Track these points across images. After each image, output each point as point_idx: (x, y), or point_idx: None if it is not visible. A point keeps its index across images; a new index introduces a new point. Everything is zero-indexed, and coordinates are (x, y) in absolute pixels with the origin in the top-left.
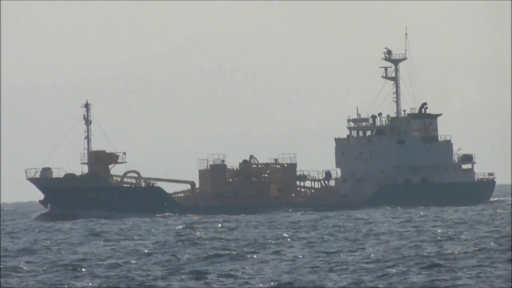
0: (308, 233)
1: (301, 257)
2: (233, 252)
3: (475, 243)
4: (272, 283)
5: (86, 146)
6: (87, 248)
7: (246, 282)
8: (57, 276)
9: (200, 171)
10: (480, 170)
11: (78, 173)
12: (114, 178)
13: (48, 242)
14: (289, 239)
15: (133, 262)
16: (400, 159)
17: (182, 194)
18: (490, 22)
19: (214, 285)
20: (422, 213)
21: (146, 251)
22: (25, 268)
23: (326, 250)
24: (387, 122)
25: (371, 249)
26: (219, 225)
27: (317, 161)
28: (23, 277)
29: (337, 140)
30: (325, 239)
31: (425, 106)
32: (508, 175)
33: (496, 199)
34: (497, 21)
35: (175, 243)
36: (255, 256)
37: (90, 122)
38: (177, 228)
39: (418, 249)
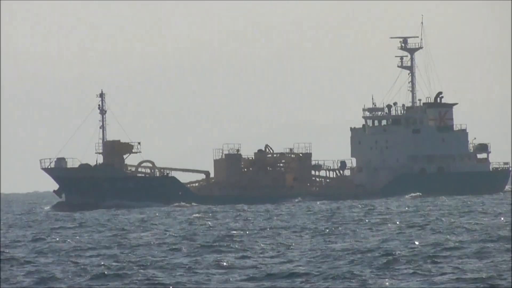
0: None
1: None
2: None
3: None
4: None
5: (101, 136)
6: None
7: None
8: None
9: (215, 161)
10: (496, 159)
11: (93, 163)
12: (129, 168)
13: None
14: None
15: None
16: (416, 149)
17: (197, 184)
18: (509, 10)
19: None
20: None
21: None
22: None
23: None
24: (402, 111)
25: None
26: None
27: (332, 150)
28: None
29: (353, 130)
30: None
31: (440, 95)
32: None
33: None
34: None
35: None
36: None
37: (105, 111)
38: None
39: None
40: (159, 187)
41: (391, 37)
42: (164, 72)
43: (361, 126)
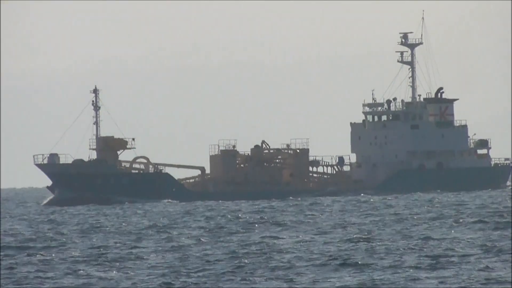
0: None
1: None
2: None
3: None
4: None
5: (94, 132)
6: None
7: None
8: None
9: (211, 157)
10: (498, 155)
11: (86, 159)
12: (123, 164)
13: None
14: None
15: None
16: (415, 144)
17: (192, 180)
18: (509, 5)
19: None
20: None
21: None
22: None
23: None
24: (402, 107)
25: None
26: None
27: (330, 146)
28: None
29: (353, 125)
30: None
31: (441, 91)
32: None
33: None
34: None
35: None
36: None
37: (99, 107)
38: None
39: None
40: (153, 184)
41: (392, 32)
42: (158, 68)
43: (361, 121)
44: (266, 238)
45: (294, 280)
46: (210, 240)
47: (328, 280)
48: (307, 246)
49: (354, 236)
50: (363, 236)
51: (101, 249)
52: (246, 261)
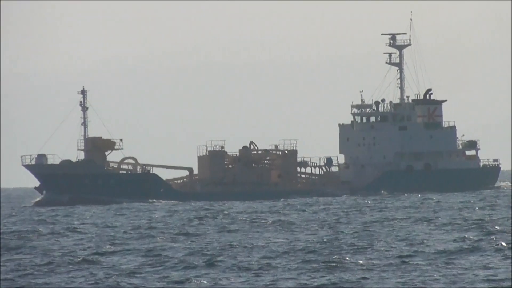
0: None
1: None
2: None
3: None
4: None
5: (82, 133)
6: None
7: None
8: None
9: (199, 157)
10: (487, 156)
11: (74, 159)
12: (111, 165)
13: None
14: None
15: None
16: (402, 146)
17: (180, 181)
18: (497, 5)
19: None
20: None
21: None
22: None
23: None
24: (390, 108)
25: None
26: None
27: (319, 147)
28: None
29: (341, 126)
30: None
31: (429, 92)
32: None
33: (501, 184)
34: (505, 4)
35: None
36: None
37: (87, 108)
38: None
39: None
40: (140, 184)
41: (381, 34)
42: (147, 69)
43: (349, 122)
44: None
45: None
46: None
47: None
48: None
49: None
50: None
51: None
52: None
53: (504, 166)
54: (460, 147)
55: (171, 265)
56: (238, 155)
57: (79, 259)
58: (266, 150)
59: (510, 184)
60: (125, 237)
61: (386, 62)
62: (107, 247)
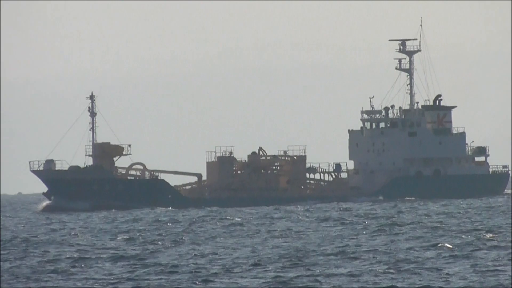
0: None
1: None
2: None
3: None
4: None
5: (91, 138)
6: None
7: None
8: None
9: (208, 163)
10: (496, 162)
11: (82, 165)
12: (119, 171)
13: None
14: None
15: None
16: (412, 151)
17: (189, 187)
18: (508, 11)
19: None
20: None
21: None
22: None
23: None
24: (399, 114)
25: None
26: None
27: (328, 153)
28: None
29: (351, 132)
30: None
31: (439, 98)
32: None
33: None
34: None
35: None
36: None
37: (95, 114)
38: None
39: None
40: (148, 190)
41: (390, 39)
42: (155, 74)
43: (359, 128)
44: None
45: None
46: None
47: None
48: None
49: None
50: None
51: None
52: None
53: None
54: (470, 153)
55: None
56: (247, 161)
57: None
58: (274, 156)
59: None
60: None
61: (396, 68)
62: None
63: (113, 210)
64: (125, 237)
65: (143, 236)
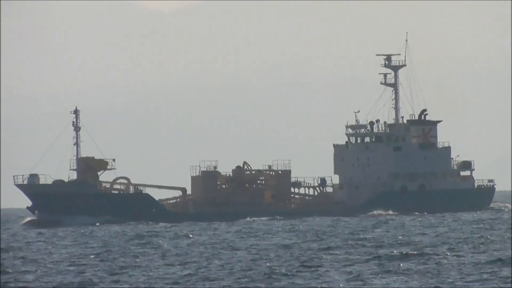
0: None
1: None
2: None
3: None
4: None
5: (75, 153)
6: None
7: None
8: None
9: (193, 178)
10: (481, 177)
11: (66, 179)
12: (103, 185)
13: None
14: None
15: None
16: (397, 166)
17: (173, 201)
18: (493, 25)
19: None
20: None
21: None
22: None
23: None
24: (384, 128)
25: None
26: None
27: (313, 167)
28: None
29: (336, 147)
30: None
31: (425, 113)
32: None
33: (497, 205)
34: (501, 23)
35: None
36: None
37: (79, 128)
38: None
39: None
40: (133, 204)
41: (377, 54)
42: (140, 89)
43: (344, 143)
44: None
45: None
46: None
47: None
48: None
49: None
50: None
51: None
52: None
53: (499, 187)
54: (455, 167)
55: None
56: (231, 175)
57: None
58: (259, 171)
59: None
60: None
61: (381, 83)
62: None
63: (97, 224)
64: None
65: None
